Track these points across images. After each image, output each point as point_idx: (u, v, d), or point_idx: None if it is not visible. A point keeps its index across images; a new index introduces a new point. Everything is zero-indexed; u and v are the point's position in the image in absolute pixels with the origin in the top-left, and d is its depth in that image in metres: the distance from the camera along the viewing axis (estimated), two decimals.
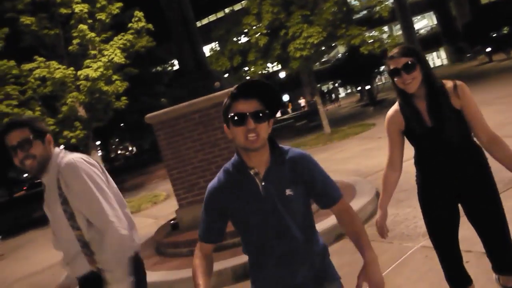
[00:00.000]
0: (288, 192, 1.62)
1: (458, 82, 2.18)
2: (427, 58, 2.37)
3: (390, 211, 5.08)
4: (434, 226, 2.43)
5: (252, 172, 1.61)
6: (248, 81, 1.54)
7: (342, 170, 8.06)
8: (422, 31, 43.70)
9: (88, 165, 2.04)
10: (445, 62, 42.30)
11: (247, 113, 1.52)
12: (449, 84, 2.19)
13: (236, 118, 1.53)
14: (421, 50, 2.27)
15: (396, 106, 2.33)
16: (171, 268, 4.85)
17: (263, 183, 1.61)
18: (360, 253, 1.66)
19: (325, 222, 4.72)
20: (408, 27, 36.36)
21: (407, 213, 4.81)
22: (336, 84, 35.69)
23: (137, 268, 2.09)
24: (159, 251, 5.62)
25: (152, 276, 4.81)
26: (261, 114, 1.53)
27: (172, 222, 6.01)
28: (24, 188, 59.78)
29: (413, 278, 3.34)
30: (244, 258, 4.30)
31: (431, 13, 43.27)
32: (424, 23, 44.97)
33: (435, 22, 43.16)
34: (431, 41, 40.19)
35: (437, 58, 44.15)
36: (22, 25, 10.27)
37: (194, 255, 1.76)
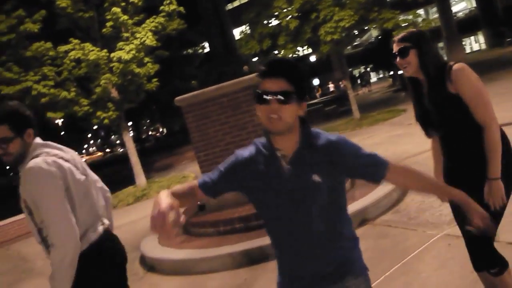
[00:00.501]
0: (315, 178, 1.52)
1: (455, 66, 2.10)
2: (463, 42, 2.24)
3: (416, 198, 5.10)
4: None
5: (279, 154, 1.54)
6: (276, 58, 1.50)
7: None
8: (460, 14, 42.07)
9: (50, 173, 1.98)
10: (483, 46, 40.71)
11: (270, 92, 1.44)
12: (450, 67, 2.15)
13: (259, 96, 1.45)
14: (426, 35, 2.23)
15: None
16: (197, 247, 5.01)
17: (288, 166, 1.53)
18: (446, 194, 1.73)
19: (348, 208, 4.74)
20: (445, 10, 35.06)
21: (433, 201, 4.76)
22: (368, 69, 34.93)
23: (95, 264, 2.11)
24: (186, 230, 5.80)
25: (179, 254, 5.01)
26: (285, 95, 1.43)
27: (199, 203, 6.16)
28: None
29: (434, 265, 3.35)
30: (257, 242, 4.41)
31: None
32: (462, 5, 43.24)
33: (474, 4, 41.41)
34: (469, 25, 38.64)
35: (474, 43, 42.54)
36: (58, 8, 10.54)
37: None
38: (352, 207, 4.78)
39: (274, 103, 1.43)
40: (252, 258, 4.40)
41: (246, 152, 1.61)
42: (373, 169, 1.56)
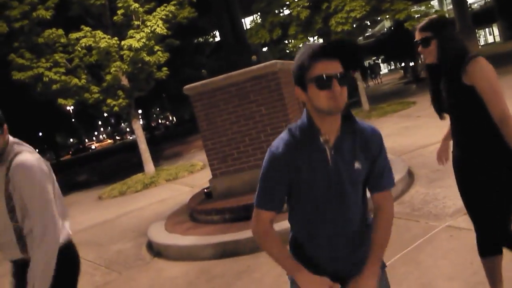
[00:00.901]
0: (356, 165, 1.52)
1: (473, 58, 2.13)
2: (477, 34, 2.32)
3: (420, 190, 5.13)
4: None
5: (322, 139, 1.49)
6: (334, 41, 1.44)
7: None
8: (475, 6, 41.44)
9: (42, 169, 2.01)
10: (498, 39, 40.08)
11: (334, 76, 1.40)
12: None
13: (321, 80, 1.41)
14: (448, 23, 2.31)
15: None
16: (203, 234, 5.09)
17: (332, 152, 1.50)
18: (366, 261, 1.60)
19: None
20: (459, 1, 34.54)
21: (437, 193, 4.80)
22: (378, 60, 34.58)
23: (65, 263, 2.08)
24: (192, 218, 5.89)
25: (185, 240, 5.10)
26: (345, 77, 1.43)
27: (205, 190, 6.26)
28: (70, 152, 62.78)
29: (435, 256, 3.39)
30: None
31: None
32: None
33: None
34: (484, 17, 38.03)
35: (489, 35, 41.90)
36: None
37: (259, 232, 1.60)
38: None
39: (337, 86, 1.41)
40: (256, 246, 4.46)
41: (281, 143, 1.53)
42: (386, 176, 1.61)
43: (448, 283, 2.97)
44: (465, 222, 3.86)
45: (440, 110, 2.42)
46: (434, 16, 2.38)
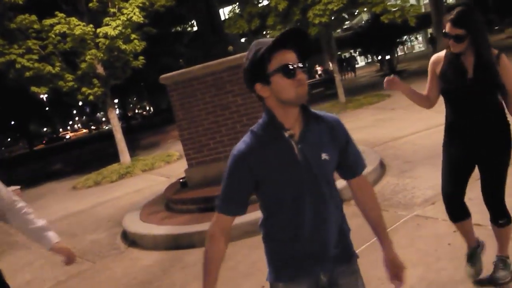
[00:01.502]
0: (324, 156, 1.50)
1: (502, 55, 2.42)
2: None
3: (391, 180, 5.26)
4: (449, 161, 2.67)
5: (287, 134, 1.46)
6: (290, 30, 1.40)
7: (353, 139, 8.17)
8: (450, 0, 42.14)
9: None
10: None
11: (296, 65, 1.41)
12: (494, 52, 2.43)
13: (287, 69, 1.39)
14: (480, 18, 2.42)
15: (442, 53, 2.61)
16: (178, 223, 5.13)
17: (299, 146, 1.46)
18: (380, 239, 1.70)
19: None
20: None
21: (406, 184, 4.95)
22: (356, 53, 34.83)
23: None
24: (168, 207, 5.91)
25: (160, 230, 5.13)
26: (303, 66, 1.43)
27: (181, 180, 6.27)
28: (44, 141, 61.45)
29: (402, 244, 3.51)
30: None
31: None
32: None
33: None
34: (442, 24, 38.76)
35: None
36: None
37: (210, 234, 1.58)
38: None
39: (301, 75, 1.41)
40: (231, 235, 4.53)
41: (243, 145, 1.49)
42: (358, 161, 1.63)
43: (413, 269, 3.09)
44: (432, 211, 4.03)
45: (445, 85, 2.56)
46: (464, 7, 2.42)
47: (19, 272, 5.35)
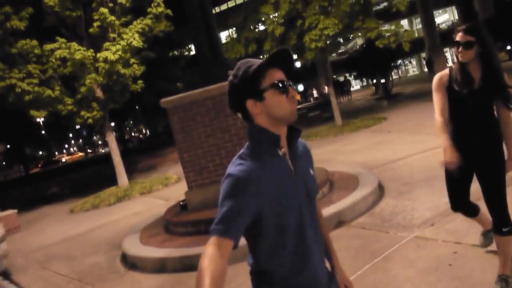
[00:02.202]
0: (311, 172, 1.54)
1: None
2: (445, 53, 2.86)
3: (390, 202, 5.32)
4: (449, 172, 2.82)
5: (281, 152, 1.43)
6: (280, 50, 1.42)
7: (349, 161, 8.24)
8: (443, 26, 43.04)
9: None
10: None
11: (289, 82, 1.43)
12: None
13: (282, 84, 1.40)
14: (484, 29, 2.64)
15: (445, 70, 2.81)
16: (178, 246, 5.12)
17: (293, 163, 1.46)
18: (333, 263, 1.68)
19: (326, 210, 4.94)
20: (428, 21, 35.83)
21: (406, 206, 4.99)
22: (350, 77, 35.15)
23: None
24: (167, 230, 5.91)
25: (160, 252, 5.12)
26: (291, 84, 1.45)
27: (181, 203, 6.29)
28: (39, 165, 61.16)
29: (403, 264, 3.54)
30: None
31: (453, 7, 42.60)
32: (445, 17, 44.30)
33: (457, 17, 42.47)
34: (452, 36, 39.56)
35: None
36: (45, 5, 10.53)
37: (211, 255, 1.29)
38: (329, 210, 4.97)
39: (293, 92, 1.43)
40: (232, 257, 4.53)
41: (243, 166, 1.37)
42: (316, 185, 1.61)
43: None
44: (432, 232, 4.07)
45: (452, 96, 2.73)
46: (476, 22, 2.77)
47: None
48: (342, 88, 31.27)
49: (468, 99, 2.65)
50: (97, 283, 5.05)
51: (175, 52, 29.35)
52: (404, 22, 40.16)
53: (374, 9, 21.47)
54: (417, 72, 44.05)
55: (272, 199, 1.37)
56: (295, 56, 18.13)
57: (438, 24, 41.36)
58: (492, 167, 2.72)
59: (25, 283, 5.76)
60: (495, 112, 2.75)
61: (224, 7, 46.26)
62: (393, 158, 7.70)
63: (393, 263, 3.62)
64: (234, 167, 1.37)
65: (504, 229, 2.71)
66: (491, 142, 2.71)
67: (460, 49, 2.60)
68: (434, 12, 38.42)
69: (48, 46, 10.55)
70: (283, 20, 14.08)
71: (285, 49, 1.44)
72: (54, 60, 10.68)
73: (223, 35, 23.28)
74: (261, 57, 15.35)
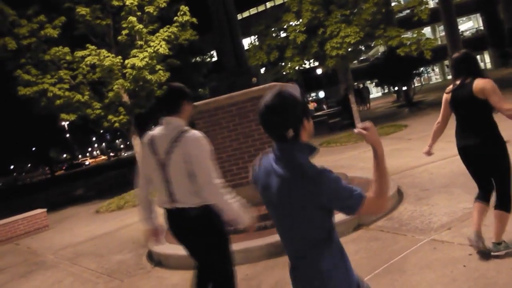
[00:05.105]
0: None
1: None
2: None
3: (409, 207, 5.44)
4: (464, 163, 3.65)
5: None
6: None
7: (369, 167, 8.27)
8: (467, 33, 42.55)
9: None
10: (489, 66, 41.09)
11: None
12: None
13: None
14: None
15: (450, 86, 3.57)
16: None
17: None
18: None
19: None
20: (452, 29, 35.54)
21: (424, 210, 5.12)
22: (368, 84, 34.59)
23: None
24: None
25: (184, 250, 5.34)
26: None
27: None
28: (64, 167, 62.62)
29: (419, 266, 3.69)
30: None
31: (478, 15, 42.06)
32: (469, 25, 43.75)
33: (481, 24, 41.93)
34: (476, 44, 39.06)
35: (480, 62, 42.87)
36: (77, 14, 11.05)
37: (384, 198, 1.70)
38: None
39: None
40: (254, 256, 4.75)
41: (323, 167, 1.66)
42: None
43: None
44: (448, 236, 4.20)
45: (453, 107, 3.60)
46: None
47: None
48: (361, 96, 29.50)
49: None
50: (125, 278, 5.32)
51: (198, 59, 29.86)
52: (427, 30, 39.90)
53: (396, 16, 21.50)
54: (440, 80, 43.58)
55: None
56: (316, 63, 18.36)
57: (462, 32, 40.87)
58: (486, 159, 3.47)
59: (56, 277, 6.08)
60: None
61: (246, 14, 46.83)
62: (413, 165, 7.79)
63: (410, 264, 3.77)
64: (319, 167, 1.64)
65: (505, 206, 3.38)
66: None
67: None
68: (458, 20, 38.09)
69: (79, 53, 11.04)
70: (304, 28, 14.29)
71: None
72: (84, 66, 11.16)
73: (246, 42, 23.66)
74: (283, 64, 15.61)
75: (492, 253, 3.50)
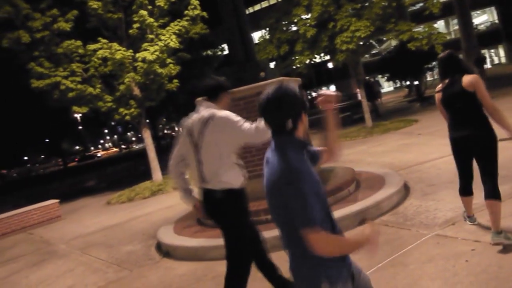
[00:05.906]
0: None
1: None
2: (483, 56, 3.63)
3: (414, 202, 5.48)
4: (454, 154, 4.07)
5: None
6: None
7: (377, 162, 8.38)
8: (481, 27, 41.90)
9: None
10: (504, 60, 40.48)
11: None
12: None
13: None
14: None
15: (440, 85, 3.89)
16: (209, 237, 5.44)
17: None
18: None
19: (351, 208, 5.16)
20: (466, 22, 34.99)
21: (429, 206, 5.15)
22: (384, 78, 34.14)
23: None
24: (200, 222, 6.25)
25: (192, 242, 5.46)
26: None
27: None
28: (76, 159, 63.37)
29: (422, 260, 3.73)
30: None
31: (492, 8, 41.37)
32: (484, 18, 43.05)
33: (496, 18, 41.26)
34: (490, 38, 38.50)
35: (494, 56, 42.24)
36: (89, 8, 11.15)
37: (325, 239, 1.63)
38: (354, 208, 5.18)
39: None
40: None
41: (300, 159, 1.71)
42: None
43: (430, 283, 3.32)
44: (452, 231, 4.23)
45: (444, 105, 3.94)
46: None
47: (61, 278, 5.75)
48: (371, 90, 28.34)
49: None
50: (134, 268, 5.45)
51: (209, 52, 29.90)
52: (441, 23, 39.40)
53: (409, 9, 21.23)
54: None
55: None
56: (327, 57, 18.28)
57: (476, 25, 40.25)
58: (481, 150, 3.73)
59: (67, 266, 6.24)
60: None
61: (257, 7, 46.68)
62: (421, 160, 7.79)
63: (412, 258, 3.82)
64: (302, 169, 1.68)
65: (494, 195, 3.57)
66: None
67: None
68: (473, 13, 37.51)
69: (91, 46, 11.16)
70: (315, 22, 14.24)
71: None
72: (96, 60, 11.29)
73: (256, 36, 23.65)
74: (293, 58, 15.60)
75: (493, 243, 3.59)
